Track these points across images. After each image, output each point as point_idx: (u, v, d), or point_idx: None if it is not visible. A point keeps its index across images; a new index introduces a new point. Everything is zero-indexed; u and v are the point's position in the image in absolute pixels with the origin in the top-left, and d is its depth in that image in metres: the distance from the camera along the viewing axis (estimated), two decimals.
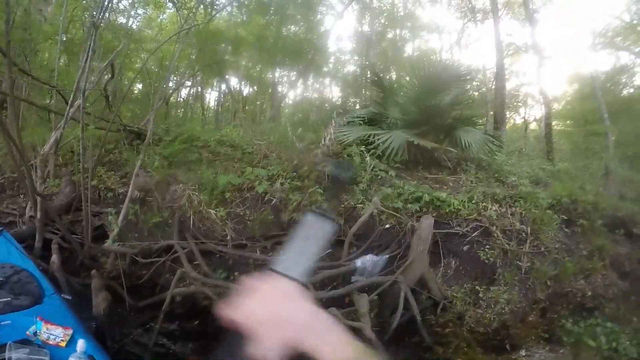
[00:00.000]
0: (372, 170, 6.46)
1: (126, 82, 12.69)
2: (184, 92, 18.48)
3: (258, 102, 19.15)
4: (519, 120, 22.73)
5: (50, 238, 6.03)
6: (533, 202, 6.50)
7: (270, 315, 0.79)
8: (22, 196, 6.96)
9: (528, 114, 22.59)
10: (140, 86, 16.69)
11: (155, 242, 5.95)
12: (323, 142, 6.49)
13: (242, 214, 6.17)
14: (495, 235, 5.93)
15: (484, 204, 6.28)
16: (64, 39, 9.89)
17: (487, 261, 5.74)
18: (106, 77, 7.98)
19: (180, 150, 7.22)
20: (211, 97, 20.15)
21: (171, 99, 17.19)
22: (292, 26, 15.68)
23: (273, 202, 6.07)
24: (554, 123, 16.79)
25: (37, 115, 9.71)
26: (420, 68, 8.30)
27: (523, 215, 6.34)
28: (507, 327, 5.32)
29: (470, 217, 6.00)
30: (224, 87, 17.87)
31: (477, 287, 5.55)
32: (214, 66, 12.96)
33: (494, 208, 6.26)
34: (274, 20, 14.39)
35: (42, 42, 10.16)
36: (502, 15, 17.88)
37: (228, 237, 6.02)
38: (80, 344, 2.91)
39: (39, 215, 5.86)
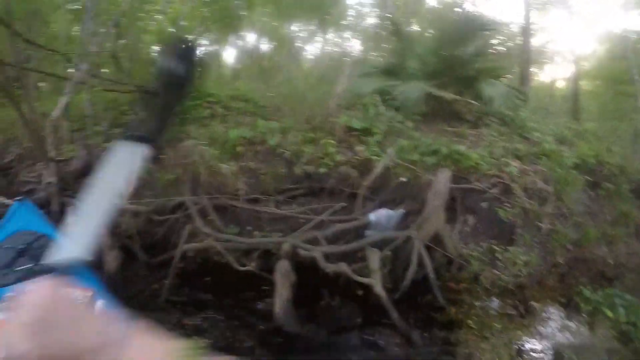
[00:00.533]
0: (388, 121, 6.13)
1: (142, 45, 12.45)
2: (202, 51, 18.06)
3: (277, 59, 18.60)
4: (545, 79, 21.67)
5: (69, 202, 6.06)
6: (557, 160, 6.10)
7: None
8: (40, 164, 6.95)
9: (556, 72, 21.55)
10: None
11: (170, 199, 5.88)
12: (335, 93, 6.15)
13: (254, 168, 5.96)
14: (516, 193, 5.59)
15: (505, 159, 5.94)
16: (75, 6, 9.60)
17: (506, 220, 5.43)
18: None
19: (192, 107, 6.99)
20: (230, 55, 19.60)
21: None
22: None
23: (285, 155, 5.82)
24: (582, 83, 15.99)
25: (52, 85, 9.54)
26: (441, 17, 7.73)
27: (546, 174, 5.98)
28: (523, 289, 5.07)
29: (490, 172, 5.67)
30: (241, 44, 17.33)
31: (494, 247, 5.28)
32: (226, 22, 12.49)
33: (515, 164, 5.91)
34: None
35: (52, 12, 9.83)
36: None
37: (241, 192, 5.87)
38: (99, 306, 2.84)
39: (54, 180, 5.94)
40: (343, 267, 4.28)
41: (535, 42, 17.02)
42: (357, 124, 5.80)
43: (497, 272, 5.13)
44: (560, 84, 20.41)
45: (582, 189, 6.12)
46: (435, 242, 4.99)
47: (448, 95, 6.50)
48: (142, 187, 6.13)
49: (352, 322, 4.43)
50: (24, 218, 4.18)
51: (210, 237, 5.16)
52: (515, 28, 16.72)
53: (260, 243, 5.21)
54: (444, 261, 5.08)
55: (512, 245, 5.34)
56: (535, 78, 19.51)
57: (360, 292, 4.59)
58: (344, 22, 17.57)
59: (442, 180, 4.88)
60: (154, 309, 4.56)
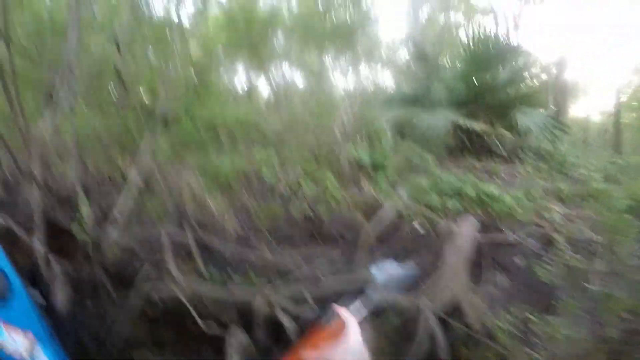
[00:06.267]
0: (404, 155, 4.90)
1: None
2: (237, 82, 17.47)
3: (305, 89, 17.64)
4: (579, 113, 19.79)
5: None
6: (606, 202, 4.64)
7: None
8: None
9: (590, 106, 19.58)
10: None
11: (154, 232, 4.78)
12: (339, 120, 4.96)
13: (247, 204, 4.85)
14: (559, 245, 4.20)
15: (546, 203, 4.56)
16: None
17: (545, 281, 4.04)
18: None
19: (192, 132, 6.00)
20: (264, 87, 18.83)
21: (220, 87, 16.23)
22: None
23: (282, 191, 4.69)
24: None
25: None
26: (469, 41, 6.50)
27: (594, 221, 4.54)
28: None
29: (526, 219, 4.30)
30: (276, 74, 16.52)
31: (528, 316, 3.90)
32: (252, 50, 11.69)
33: (558, 209, 4.53)
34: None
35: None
36: None
37: (230, 232, 4.77)
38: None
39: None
40: None
41: (569, 74, 15.49)
42: (365, 156, 4.58)
43: (528, 350, 3.73)
44: (596, 118, 18.43)
45: (637, 238, 4.65)
46: (452, 311, 3.65)
47: (478, 125, 5.21)
48: (131, 216, 5.20)
49: None
50: None
51: (174, 284, 4.06)
52: (548, 59, 15.31)
53: (230, 294, 4.04)
54: (463, 334, 3.72)
55: (551, 313, 3.96)
56: (570, 112, 17.77)
57: None
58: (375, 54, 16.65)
59: (466, 232, 3.55)
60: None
